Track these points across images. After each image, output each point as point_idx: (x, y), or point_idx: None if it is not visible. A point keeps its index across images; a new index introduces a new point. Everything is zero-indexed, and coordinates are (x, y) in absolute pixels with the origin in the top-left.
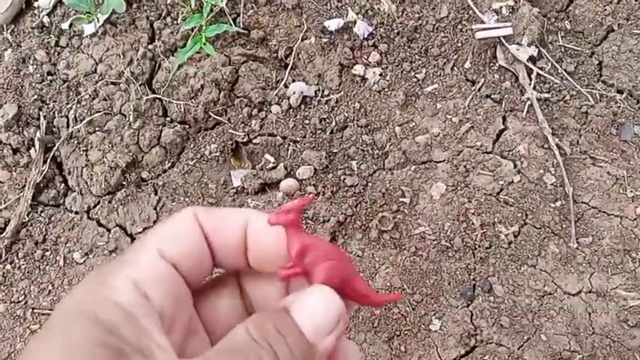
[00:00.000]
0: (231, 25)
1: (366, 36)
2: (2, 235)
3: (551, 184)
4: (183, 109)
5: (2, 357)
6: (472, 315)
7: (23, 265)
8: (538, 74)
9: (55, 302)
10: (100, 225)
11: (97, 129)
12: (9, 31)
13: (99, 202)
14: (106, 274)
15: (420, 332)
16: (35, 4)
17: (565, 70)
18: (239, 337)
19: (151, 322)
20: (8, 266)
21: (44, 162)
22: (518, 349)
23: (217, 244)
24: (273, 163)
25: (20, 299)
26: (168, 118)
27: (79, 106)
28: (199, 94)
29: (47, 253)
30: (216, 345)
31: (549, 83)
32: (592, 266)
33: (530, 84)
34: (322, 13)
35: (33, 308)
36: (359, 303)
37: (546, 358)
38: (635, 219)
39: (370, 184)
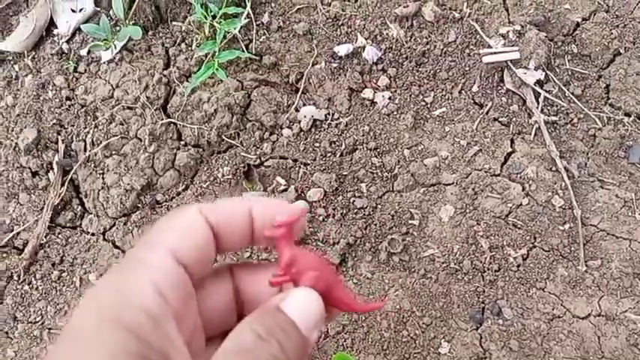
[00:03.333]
0: (243, 51)
1: (375, 61)
2: (21, 257)
3: (560, 207)
4: (197, 133)
5: None
6: (481, 338)
7: (40, 285)
8: (545, 97)
9: None
10: (116, 247)
11: (113, 152)
12: (30, 57)
13: (114, 224)
14: (127, 277)
15: (429, 355)
16: (55, 32)
17: (572, 94)
18: (247, 337)
19: (172, 326)
20: (26, 287)
21: (62, 185)
22: None
23: (224, 236)
24: (284, 185)
25: (37, 319)
26: (182, 142)
27: (96, 130)
28: (213, 118)
29: (64, 274)
30: (224, 345)
31: (557, 106)
32: (601, 289)
33: (537, 107)
34: (332, 38)
35: (49, 329)
36: (342, 309)
37: None
38: None
39: (379, 207)
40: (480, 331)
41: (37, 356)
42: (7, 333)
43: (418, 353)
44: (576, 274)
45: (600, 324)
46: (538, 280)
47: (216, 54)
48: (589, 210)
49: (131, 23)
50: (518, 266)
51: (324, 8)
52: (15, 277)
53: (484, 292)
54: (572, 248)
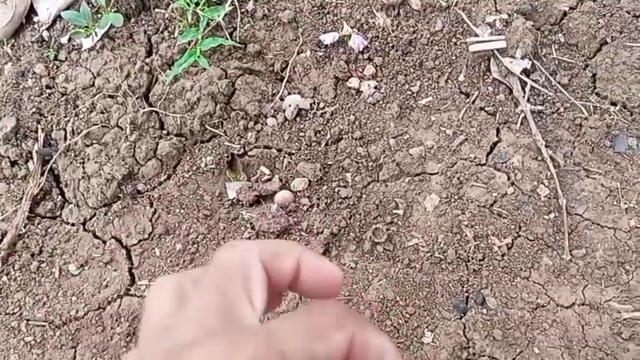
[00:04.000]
0: (227, 39)
1: (361, 49)
2: None
3: (545, 196)
4: (179, 122)
5: None
6: (465, 327)
7: (19, 276)
8: (532, 87)
9: (49, 314)
10: (96, 237)
11: (94, 141)
12: (9, 45)
13: (95, 214)
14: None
15: (412, 345)
16: (35, 19)
17: (559, 83)
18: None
19: None
20: (4, 278)
21: (42, 174)
22: None
23: (273, 278)
24: (269, 175)
25: (15, 311)
26: (164, 131)
27: (76, 119)
28: (195, 107)
29: (43, 265)
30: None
31: (543, 96)
32: (585, 278)
33: (524, 96)
34: (318, 27)
35: (27, 320)
36: None
37: None
38: (629, 231)
39: (364, 196)
40: (464, 321)
41: (15, 347)
42: None
43: (401, 343)
44: (561, 264)
45: (584, 313)
46: (522, 269)
47: (199, 42)
48: (574, 199)
49: (113, 10)
50: (503, 255)
51: None
52: None
53: (468, 281)
54: (557, 237)
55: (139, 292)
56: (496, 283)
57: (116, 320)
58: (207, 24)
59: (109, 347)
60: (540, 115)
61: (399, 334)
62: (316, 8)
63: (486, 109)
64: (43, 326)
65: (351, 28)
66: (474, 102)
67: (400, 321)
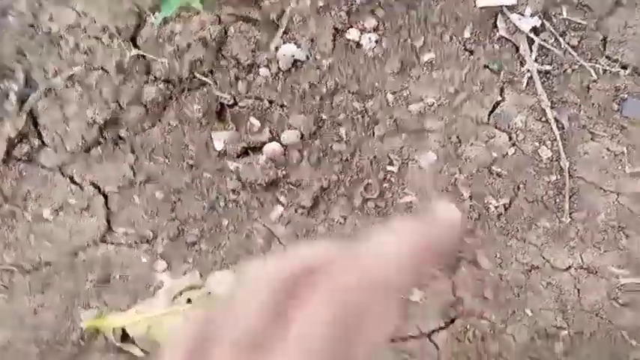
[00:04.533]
0: None
1: (363, 1)
2: None
3: (547, 158)
4: (167, 68)
5: None
6: (454, 287)
7: None
8: (540, 46)
9: (20, 259)
10: (74, 182)
11: (76, 84)
12: None
13: (74, 159)
14: None
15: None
16: None
17: (568, 44)
18: None
19: None
20: None
21: (19, 116)
22: (502, 323)
23: None
24: (259, 126)
25: None
26: (151, 76)
27: (58, 59)
28: (185, 52)
29: (16, 209)
30: None
31: (551, 56)
32: (584, 242)
33: (530, 55)
34: None
35: None
36: None
37: (530, 333)
38: (633, 196)
39: (358, 152)
40: (454, 280)
41: None
42: None
43: None
44: (559, 227)
45: (581, 277)
46: (519, 230)
47: None
48: (577, 162)
49: None
50: (499, 216)
51: None
52: None
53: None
54: (557, 200)
55: (115, 240)
56: (490, 243)
57: (89, 267)
58: None
59: (80, 294)
60: (547, 76)
61: None
62: None
63: (491, 67)
64: (12, 271)
65: None
66: (478, 59)
67: None
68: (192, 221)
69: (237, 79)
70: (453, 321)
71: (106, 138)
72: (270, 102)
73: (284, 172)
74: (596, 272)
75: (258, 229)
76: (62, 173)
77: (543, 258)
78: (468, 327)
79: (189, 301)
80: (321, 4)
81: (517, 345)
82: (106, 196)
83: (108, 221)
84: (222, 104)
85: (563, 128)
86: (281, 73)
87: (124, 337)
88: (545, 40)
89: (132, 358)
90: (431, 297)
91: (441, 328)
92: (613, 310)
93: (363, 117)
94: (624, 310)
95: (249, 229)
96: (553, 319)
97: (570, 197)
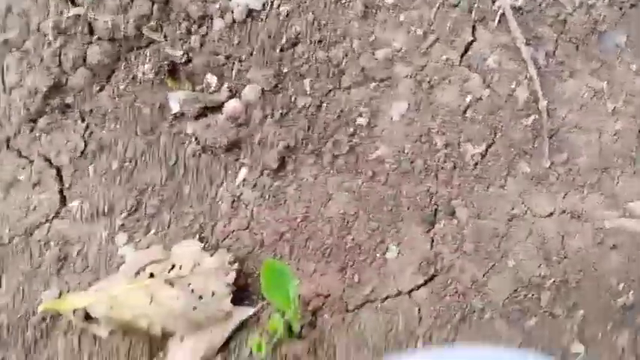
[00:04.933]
0: None
1: None
2: None
3: (524, 99)
4: (111, 26)
5: None
6: (433, 241)
7: None
8: None
9: None
10: (22, 156)
11: (12, 49)
12: None
13: (19, 131)
14: None
15: (375, 261)
16: None
17: None
18: None
19: None
20: None
21: None
22: (483, 276)
23: None
24: (216, 84)
25: None
26: (94, 36)
27: None
28: (129, 8)
29: None
30: None
31: None
32: (567, 185)
33: None
34: None
35: None
36: None
37: (513, 284)
38: (615, 134)
39: (324, 105)
40: (432, 234)
41: None
42: None
43: (363, 260)
44: (539, 171)
45: (564, 222)
46: (497, 178)
47: None
48: (556, 101)
49: None
50: (476, 164)
51: None
52: None
53: (437, 192)
54: (536, 143)
55: (71, 215)
56: (468, 193)
57: (45, 245)
58: None
59: (38, 274)
60: (520, 12)
61: (360, 250)
62: None
63: (461, 5)
64: None
65: None
66: None
67: (362, 237)
68: (151, 190)
69: (189, 33)
70: (432, 278)
71: (51, 107)
72: (227, 57)
73: (246, 132)
74: (580, 217)
75: (222, 195)
76: (9, 147)
77: (524, 205)
78: (449, 282)
79: (152, 275)
80: None
81: (500, 298)
82: (58, 169)
83: (62, 195)
84: (174, 62)
85: (540, 67)
86: (236, 24)
87: (87, 317)
88: None
89: (97, 338)
90: (408, 253)
91: (421, 286)
92: (599, 255)
93: (327, 67)
94: (610, 254)
95: (212, 196)
96: (537, 268)
97: (549, 139)
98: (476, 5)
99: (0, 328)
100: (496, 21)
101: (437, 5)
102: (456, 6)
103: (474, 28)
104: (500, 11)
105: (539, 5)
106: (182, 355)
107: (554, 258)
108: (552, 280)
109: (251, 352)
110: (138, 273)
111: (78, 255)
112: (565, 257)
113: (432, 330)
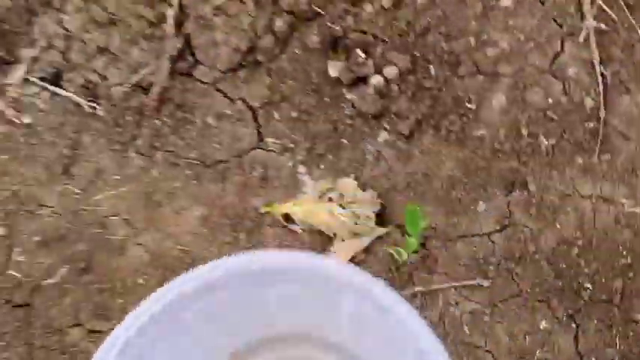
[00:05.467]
0: None
1: None
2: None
3: (590, 108)
4: (293, 1)
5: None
6: (509, 203)
7: (170, 122)
8: (599, 5)
9: (200, 155)
10: (226, 97)
11: (221, 12)
12: None
13: (224, 78)
14: None
15: (470, 211)
16: None
17: (624, 3)
18: None
19: None
20: (158, 122)
21: (177, 37)
22: (538, 232)
23: None
24: (364, 59)
25: (172, 149)
26: (278, 7)
27: None
28: None
29: (188, 115)
30: None
31: (606, 13)
32: (605, 178)
33: (590, 10)
34: None
35: (184, 158)
36: None
37: (556, 239)
38: None
39: (444, 89)
40: (509, 198)
41: (177, 178)
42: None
43: (461, 210)
44: (590, 164)
45: (599, 203)
46: (560, 164)
47: None
48: (612, 113)
49: None
50: (547, 153)
51: None
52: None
53: (517, 170)
54: (591, 144)
55: (267, 147)
56: (538, 173)
57: (251, 166)
58: None
59: (247, 186)
60: (600, 33)
61: (460, 204)
62: None
63: (557, 19)
64: (197, 164)
65: None
66: (547, 11)
67: (462, 193)
68: (321, 138)
69: (346, 12)
70: (505, 227)
71: (248, 62)
72: (374, 37)
73: (387, 104)
74: (610, 201)
75: (369, 150)
76: (216, 88)
77: (574, 188)
78: (515, 231)
79: (330, 199)
80: None
81: (547, 247)
82: (253, 111)
83: (258, 132)
84: (334, 35)
85: (607, 82)
86: (382, 9)
87: (287, 219)
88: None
89: (293, 233)
90: (491, 209)
91: (496, 231)
92: (616, 230)
93: (449, 57)
94: (624, 230)
95: (362, 149)
96: (573, 232)
97: (601, 142)
98: (567, 21)
99: (228, 218)
100: (581, 38)
101: (538, 16)
102: (553, 19)
103: (562, 41)
104: (586, 30)
105: (616, 29)
106: (342, 248)
107: (586, 227)
108: (581, 241)
109: (391, 256)
110: (320, 196)
111: (276, 177)
112: (593, 228)
113: (500, 261)
